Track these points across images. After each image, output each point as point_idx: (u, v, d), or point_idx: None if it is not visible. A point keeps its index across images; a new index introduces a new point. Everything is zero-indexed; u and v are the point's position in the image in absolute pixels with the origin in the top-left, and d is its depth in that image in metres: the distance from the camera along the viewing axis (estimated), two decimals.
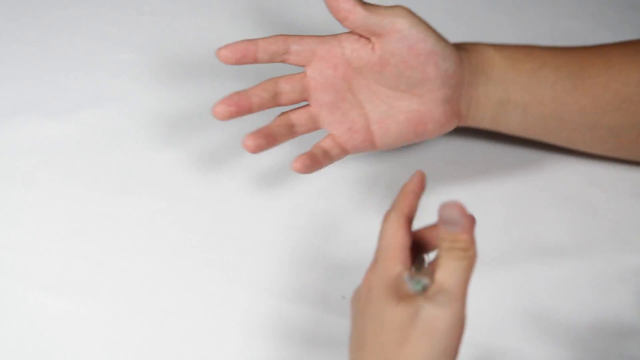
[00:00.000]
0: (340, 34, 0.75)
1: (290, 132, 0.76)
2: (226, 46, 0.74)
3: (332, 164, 0.78)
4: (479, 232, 0.80)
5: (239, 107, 0.74)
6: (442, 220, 0.59)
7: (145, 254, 0.77)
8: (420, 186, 0.65)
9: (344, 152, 0.77)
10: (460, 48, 0.77)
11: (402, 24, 0.73)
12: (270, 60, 0.76)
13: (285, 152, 0.85)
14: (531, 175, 0.85)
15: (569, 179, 0.84)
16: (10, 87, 0.89)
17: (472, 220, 0.59)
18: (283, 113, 0.76)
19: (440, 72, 0.74)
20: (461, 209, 0.58)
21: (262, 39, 0.75)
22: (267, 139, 0.75)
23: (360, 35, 0.74)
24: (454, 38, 0.96)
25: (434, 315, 0.57)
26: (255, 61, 0.75)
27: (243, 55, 0.74)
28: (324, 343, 0.73)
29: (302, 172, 0.75)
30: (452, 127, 0.77)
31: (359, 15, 0.73)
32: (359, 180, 0.84)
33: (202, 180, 0.83)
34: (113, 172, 0.83)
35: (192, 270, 0.76)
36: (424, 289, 0.59)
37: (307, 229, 0.80)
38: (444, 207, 0.58)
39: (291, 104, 0.76)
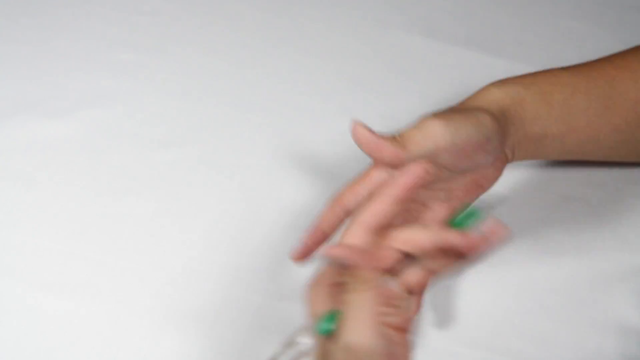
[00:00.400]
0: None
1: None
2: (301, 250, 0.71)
3: (336, 167, 0.78)
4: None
5: (317, 245, 0.71)
6: (326, 258, 0.61)
7: (145, 254, 0.77)
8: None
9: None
10: (489, 100, 0.74)
11: (440, 142, 0.68)
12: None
13: (286, 151, 0.85)
14: (531, 175, 0.85)
15: (569, 179, 0.84)
16: (10, 87, 0.89)
17: (362, 254, 0.61)
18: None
19: (488, 155, 0.72)
20: (340, 251, 0.60)
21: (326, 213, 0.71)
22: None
23: None
24: (454, 38, 0.96)
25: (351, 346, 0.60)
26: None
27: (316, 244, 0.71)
28: None
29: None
30: (503, 171, 0.75)
31: (398, 156, 0.67)
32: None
33: (202, 180, 0.83)
34: (113, 172, 0.83)
35: (192, 270, 0.76)
36: (329, 333, 0.61)
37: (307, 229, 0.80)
38: (327, 253, 0.61)
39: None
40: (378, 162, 0.67)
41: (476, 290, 0.77)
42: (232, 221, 0.80)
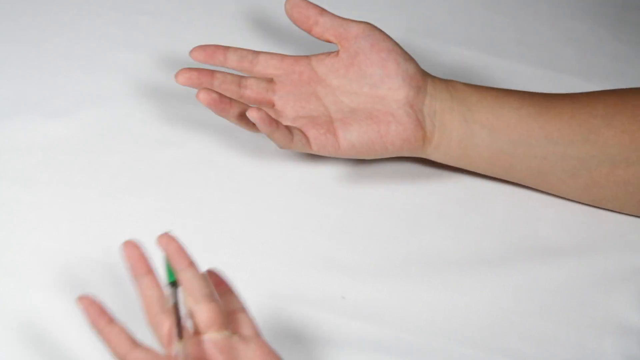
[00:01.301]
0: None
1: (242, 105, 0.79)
2: (198, 46, 0.81)
3: (336, 166, 0.78)
4: (479, 232, 0.81)
5: (200, 81, 0.79)
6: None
7: (145, 253, 0.77)
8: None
9: (304, 141, 0.78)
10: (426, 72, 0.81)
11: (365, 26, 0.80)
12: (239, 63, 0.81)
13: (286, 151, 0.85)
14: None
15: None
16: (10, 87, 0.89)
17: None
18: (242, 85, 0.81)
19: (400, 70, 0.78)
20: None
21: (234, 47, 0.81)
22: (221, 104, 0.78)
23: (328, 53, 0.81)
24: (454, 38, 0.96)
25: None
26: (224, 63, 0.81)
27: (211, 56, 0.81)
28: (324, 343, 0.73)
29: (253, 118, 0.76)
30: (419, 140, 0.78)
31: (326, 19, 0.80)
32: (358, 181, 0.83)
33: (202, 180, 0.83)
34: (113, 172, 0.83)
35: None
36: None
37: (307, 229, 0.80)
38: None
39: (254, 97, 0.80)
40: (303, 24, 0.81)
41: (476, 290, 0.77)
42: (232, 221, 0.80)
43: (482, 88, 0.80)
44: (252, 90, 0.81)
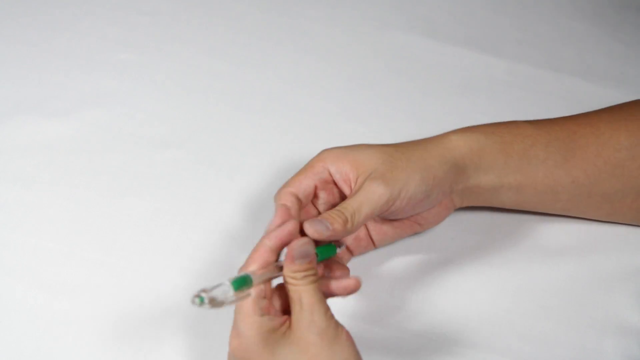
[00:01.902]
0: None
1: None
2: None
3: None
4: (479, 232, 0.81)
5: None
6: (298, 256, 0.67)
7: (145, 254, 0.77)
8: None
9: (349, 253, 0.78)
10: (446, 149, 0.76)
11: (380, 204, 0.73)
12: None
13: (286, 152, 0.85)
14: None
15: None
16: (10, 87, 0.89)
17: None
18: None
19: (427, 204, 0.75)
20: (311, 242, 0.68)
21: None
22: None
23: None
24: (454, 38, 0.96)
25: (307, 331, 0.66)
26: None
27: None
28: None
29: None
30: (446, 216, 0.79)
31: (343, 231, 0.72)
32: None
33: (202, 180, 0.83)
34: (113, 172, 0.83)
35: (192, 270, 0.76)
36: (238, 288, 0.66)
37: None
38: (299, 245, 0.67)
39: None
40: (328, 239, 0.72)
41: (476, 290, 0.77)
42: (232, 221, 0.80)
43: (507, 144, 0.78)
44: None
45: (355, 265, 0.78)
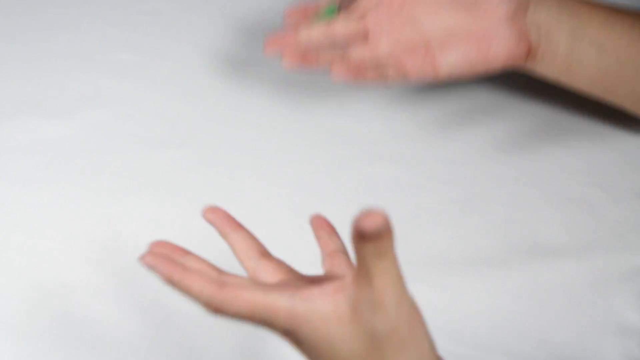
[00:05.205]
0: None
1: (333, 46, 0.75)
2: (290, 10, 0.78)
3: (336, 166, 0.78)
4: (479, 232, 0.81)
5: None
6: (367, 230, 0.52)
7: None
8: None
9: (401, 72, 0.75)
10: None
11: None
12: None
13: (286, 152, 0.85)
14: (531, 175, 0.85)
15: (569, 179, 0.84)
16: (10, 87, 0.89)
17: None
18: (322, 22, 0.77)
19: None
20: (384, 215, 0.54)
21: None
22: (306, 60, 0.75)
23: None
24: None
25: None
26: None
27: (304, 14, 0.78)
28: None
29: (343, 80, 0.72)
30: (522, 54, 0.75)
31: None
32: (358, 181, 0.84)
33: (202, 180, 0.83)
34: (113, 172, 0.83)
35: None
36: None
37: (307, 229, 0.80)
38: (369, 217, 0.52)
39: (345, 36, 0.76)
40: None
41: (476, 290, 0.77)
42: None
43: (593, 3, 0.76)
44: (342, 31, 0.76)
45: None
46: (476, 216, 0.82)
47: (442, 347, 0.73)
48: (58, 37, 0.93)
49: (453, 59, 0.75)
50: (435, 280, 0.77)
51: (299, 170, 0.84)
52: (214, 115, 0.88)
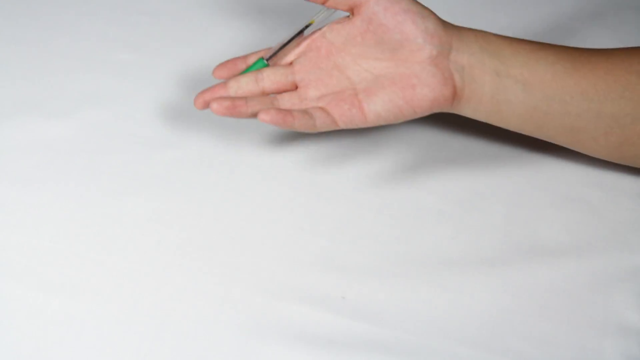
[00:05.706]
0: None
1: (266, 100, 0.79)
2: (219, 65, 0.81)
3: (336, 166, 0.78)
4: (479, 232, 0.81)
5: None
6: None
7: (145, 253, 0.77)
8: None
9: (330, 120, 0.77)
10: (450, 25, 0.78)
11: None
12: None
13: (285, 151, 0.85)
14: (531, 175, 0.85)
15: (569, 179, 0.84)
16: (10, 87, 0.89)
17: None
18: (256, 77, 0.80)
19: (419, 30, 0.75)
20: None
21: (252, 52, 0.82)
22: (235, 108, 0.77)
23: (338, 21, 0.79)
24: None
25: None
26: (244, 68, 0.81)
27: (233, 69, 0.81)
28: (324, 343, 0.73)
29: (276, 124, 0.76)
30: (448, 97, 0.76)
31: None
32: (359, 181, 0.84)
33: (202, 180, 0.83)
34: (113, 172, 0.83)
35: (192, 270, 0.76)
36: None
37: (307, 229, 0.80)
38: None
39: (274, 87, 0.79)
40: None
41: (476, 290, 0.77)
42: (232, 221, 0.80)
43: (515, 41, 0.77)
44: (270, 80, 0.80)
45: (354, 265, 0.78)
46: (476, 216, 0.82)
47: (442, 347, 0.73)
48: (58, 38, 0.93)
49: (379, 106, 0.76)
50: (435, 280, 0.77)
51: (300, 171, 0.84)
52: (214, 115, 0.88)
